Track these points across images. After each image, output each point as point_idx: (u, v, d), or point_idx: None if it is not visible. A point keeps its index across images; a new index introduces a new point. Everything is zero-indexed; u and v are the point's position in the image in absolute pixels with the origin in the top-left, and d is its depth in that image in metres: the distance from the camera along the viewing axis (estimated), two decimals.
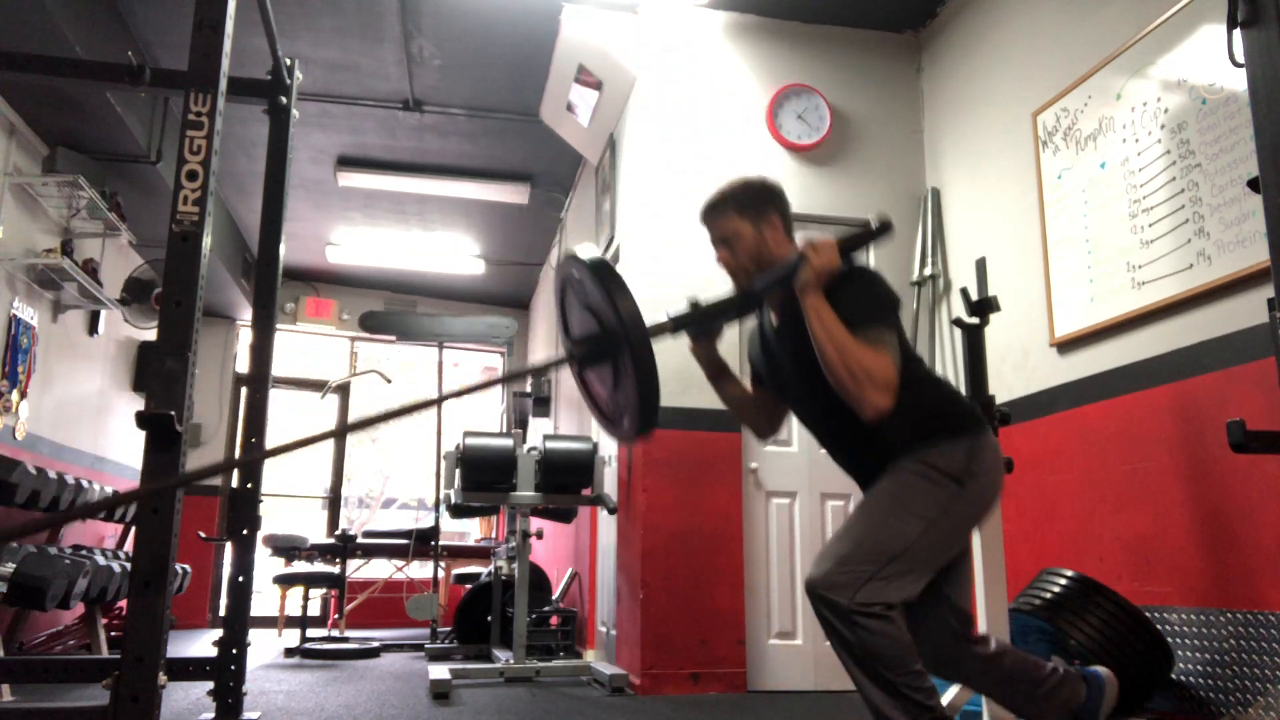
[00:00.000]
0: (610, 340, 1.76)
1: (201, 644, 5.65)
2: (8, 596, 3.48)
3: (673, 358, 3.89)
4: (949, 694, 2.34)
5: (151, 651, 1.69)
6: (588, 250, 1.81)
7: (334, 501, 8.18)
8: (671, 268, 3.98)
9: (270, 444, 2.87)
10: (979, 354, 2.76)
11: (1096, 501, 3.06)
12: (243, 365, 7.78)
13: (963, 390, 2.74)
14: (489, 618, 5.04)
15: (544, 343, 7.20)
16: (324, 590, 7.19)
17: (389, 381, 6.92)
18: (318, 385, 7.66)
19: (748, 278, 1.99)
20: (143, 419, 1.76)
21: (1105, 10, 3.21)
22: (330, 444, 8.23)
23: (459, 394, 2.06)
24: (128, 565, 4.24)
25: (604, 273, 1.74)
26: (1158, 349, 2.87)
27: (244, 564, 2.76)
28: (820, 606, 1.75)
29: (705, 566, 3.74)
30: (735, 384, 2.16)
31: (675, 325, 1.92)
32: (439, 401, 1.91)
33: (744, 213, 2.00)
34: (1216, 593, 2.60)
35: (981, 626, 2.58)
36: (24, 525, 3.07)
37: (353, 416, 8.44)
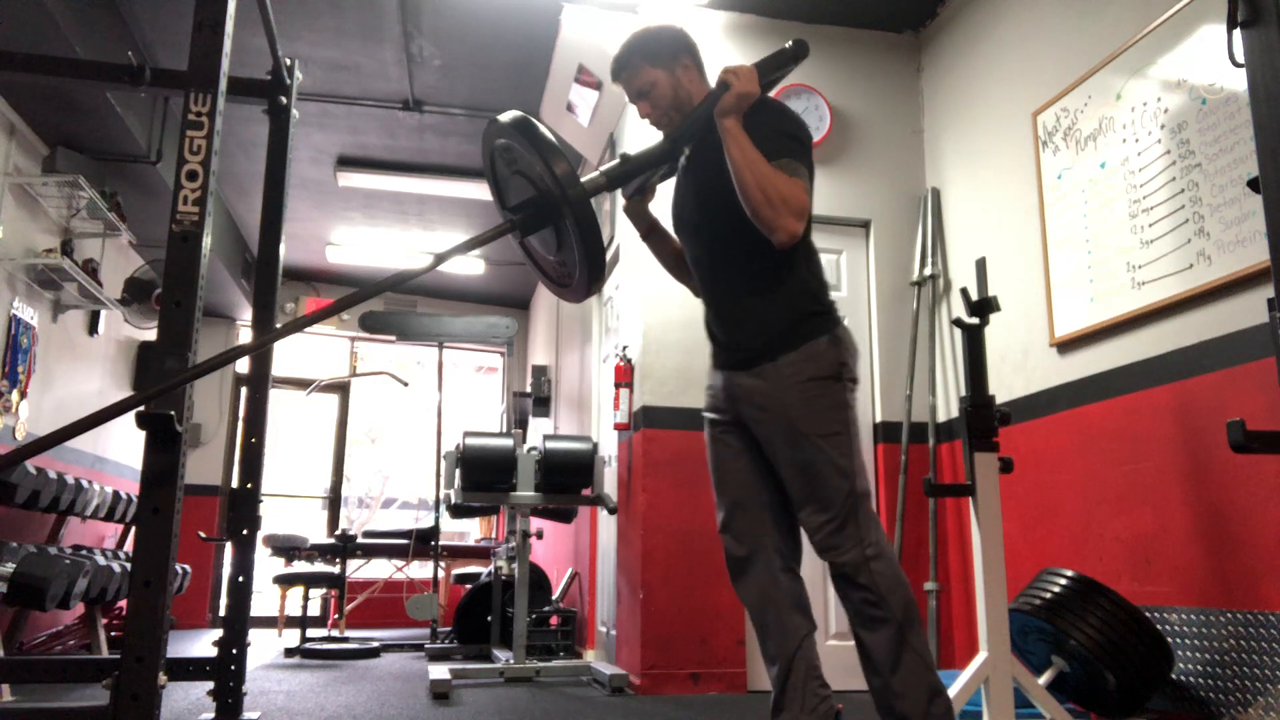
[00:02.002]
0: (548, 202, 1.73)
1: (201, 644, 5.65)
2: (8, 596, 3.49)
3: (672, 357, 3.90)
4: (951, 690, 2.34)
5: (151, 651, 1.69)
6: (509, 113, 1.75)
7: (334, 501, 8.18)
8: None
9: (269, 443, 2.87)
10: (979, 354, 2.76)
11: (1096, 501, 3.06)
12: (243, 365, 7.79)
13: (963, 390, 2.74)
14: (489, 618, 5.04)
15: (543, 343, 7.21)
16: (324, 590, 7.19)
17: (405, 385, 6.89)
18: (319, 386, 7.66)
19: (673, 126, 1.98)
20: (143, 419, 1.76)
21: (1105, 10, 3.21)
22: (331, 443, 8.23)
23: None
24: (128, 565, 4.24)
25: (531, 134, 1.69)
26: (1158, 349, 2.87)
27: (244, 564, 2.75)
28: (834, 566, 1.85)
29: (705, 566, 3.74)
30: (667, 239, 2.19)
31: (609, 179, 1.87)
32: None
33: (655, 62, 1.99)
34: (1216, 593, 2.60)
35: (982, 627, 2.58)
36: None
37: (354, 417, 8.44)
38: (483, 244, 1.75)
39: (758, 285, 1.91)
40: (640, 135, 4.15)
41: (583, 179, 1.70)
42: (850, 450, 1.86)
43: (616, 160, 1.91)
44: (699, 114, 1.90)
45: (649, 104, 2.00)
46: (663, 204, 2.19)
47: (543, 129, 1.71)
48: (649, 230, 2.15)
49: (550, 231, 1.80)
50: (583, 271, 1.77)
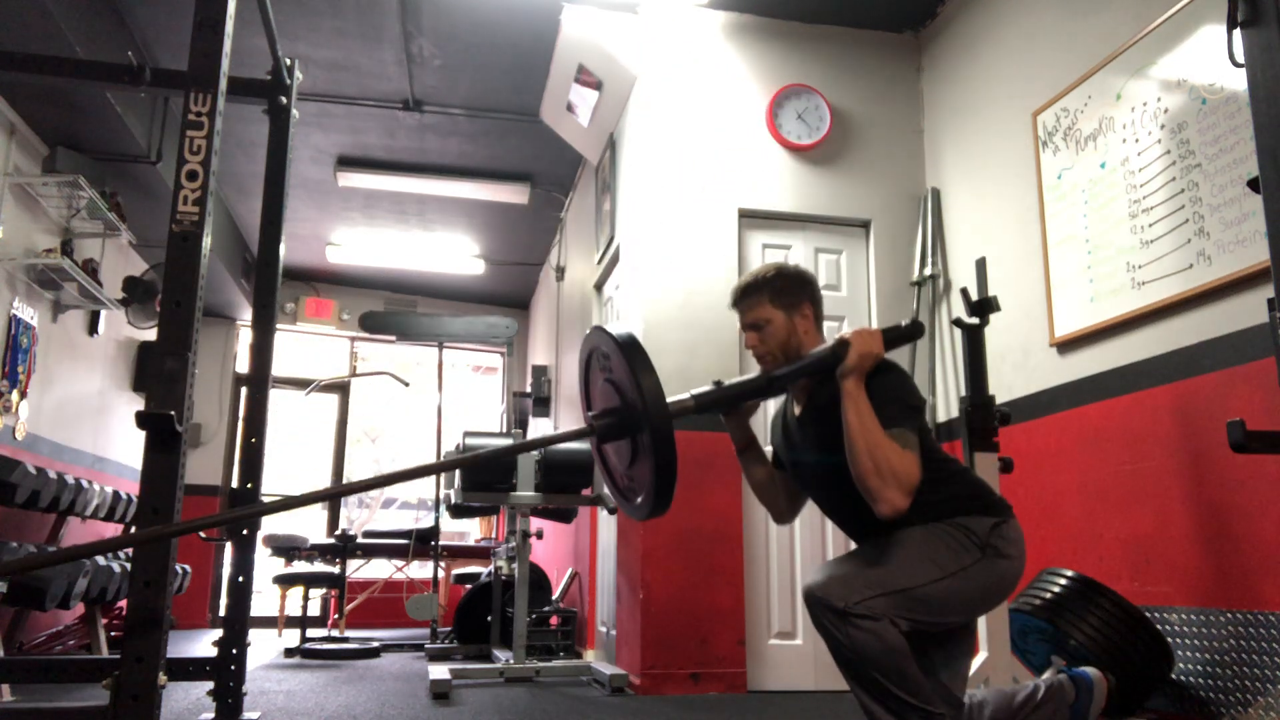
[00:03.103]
0: (631, 417, 1.77)
1: (201, 644, 5.65)
2: (8, 596, 3.49)
3: (673, 357, 3.90)
4: None
5: (151, 651, 1.69)
6: (617, 326, 1.81)
7: (334, 501, 8.18)
8: (672, 268, 3.97)
9: (269, 444, 2.88)
10: (979, 354, 2.77)
11: (1096, 501, 3.06)
12: (243, 365, 7.78)
13: (963, 390, 2.75)
14: (489, 618, 5.04)
15: (543, 343, 7.20)
16: (324, 590, 7.19)
17: (406, 385, 6.88)
18: (319, 386, 7.66)
19: (774, 363, 2.00)
20: (143, 419, 1.76)
21: (1105, 10, 3.21)
22: (330, 444, 8.23)
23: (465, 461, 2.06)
24: (128, 565, 4.24)
25: (630, 349, 1.74)
26: (1158, 349, 2.87)
27: (244, 564, 2.76)
28: (816, 609, 1.75)
29: (705, 566, 3.74)
30: (761, 463, 2.15)
31: (698, 405, 1.92)
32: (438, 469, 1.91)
33: (777, 300, 2.01)
34: (1216, 593, 2.60)
35: (982, 627, 2.58)
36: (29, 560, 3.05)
37: (353, 417, 8.44)
38: (559, 442, 1.77)
39: (903, 520, 1.83)
40: (642, 138, 4.15)
41: (670, 399, 1.72)
42: (925, 584, 1.73)
43: (709, 386, 1.95)
44: (805, 365, 1.93)
45: (760, 337, 2.02)
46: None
47: (640, 345, 1.76)
48: (746, 446, 2.14)
49: (627, 444, 1.84)
50: (648, 493, 1.79)
